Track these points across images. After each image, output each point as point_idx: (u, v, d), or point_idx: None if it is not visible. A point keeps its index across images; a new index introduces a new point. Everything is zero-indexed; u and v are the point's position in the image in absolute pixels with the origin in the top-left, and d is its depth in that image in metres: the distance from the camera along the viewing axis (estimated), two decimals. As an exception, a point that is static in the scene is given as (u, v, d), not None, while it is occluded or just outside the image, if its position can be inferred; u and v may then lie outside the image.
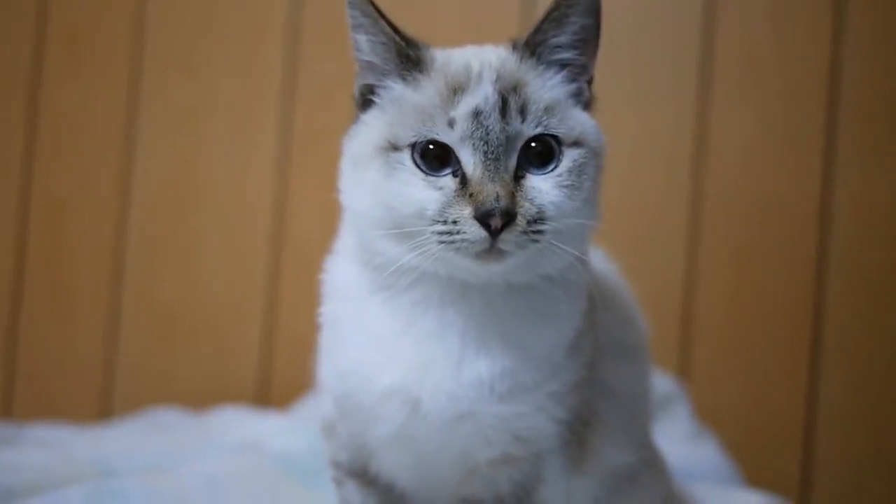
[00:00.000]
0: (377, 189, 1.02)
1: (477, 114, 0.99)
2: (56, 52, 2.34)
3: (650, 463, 1.27)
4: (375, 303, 1.08)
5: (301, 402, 2.05)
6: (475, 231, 0.96)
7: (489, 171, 0.98)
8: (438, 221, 0.98)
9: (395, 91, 1.05)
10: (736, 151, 2.10)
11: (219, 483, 1.53)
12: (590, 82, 1.10)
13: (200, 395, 2.20)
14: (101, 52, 2.33)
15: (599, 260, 1.27)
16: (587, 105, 1.09)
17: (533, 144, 1.01)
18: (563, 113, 1.03)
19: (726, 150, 2.10)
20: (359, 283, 1.10)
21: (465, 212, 0.97)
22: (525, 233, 0.97)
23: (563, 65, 1.06)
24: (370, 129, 1.06)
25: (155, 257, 2.30)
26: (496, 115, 0.99)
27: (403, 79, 1.05)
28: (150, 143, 2.31)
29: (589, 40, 1.07)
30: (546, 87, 1.04)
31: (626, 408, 1.22)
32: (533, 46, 1.05)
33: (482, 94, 1.00)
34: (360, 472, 1.19)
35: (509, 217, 0.96)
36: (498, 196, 0.96)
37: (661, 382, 1.90)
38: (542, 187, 1.00)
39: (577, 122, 1.05)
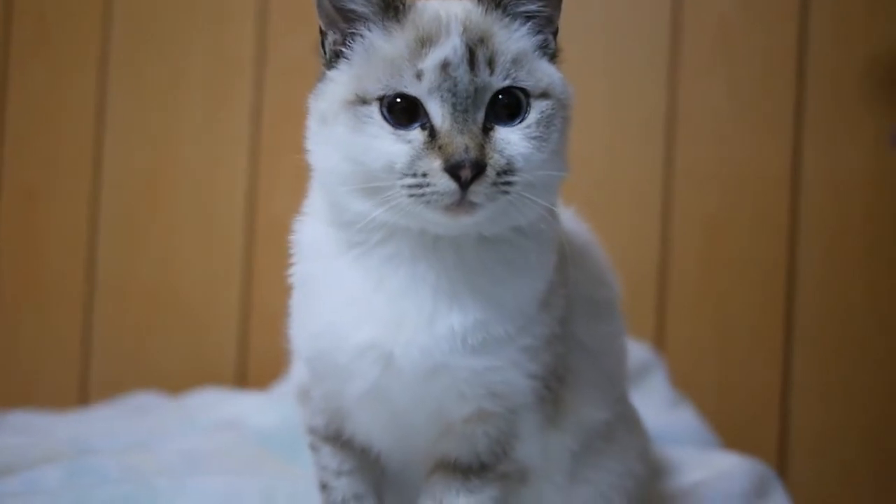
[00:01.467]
0: (345, 144, 1.02)
1: (445, 65, 0.98)
2: (24, 36, 2.33)
3: (625, 419, 1.28)
4: (346, 261, 1.08)
5: (279, 381, 2.05)
6: (445, 183, 0.96)
7: (458, 122, 0.98)
8: (408, 175, 0.98)
9: (367, 40, 1.04)
10: (706, 122, 2.11)
11: (197, 459, 1.53)
12: (555, 34, 1.09)
13: (179, 378, 2.20)
14: (70, 36, 2.31)
15: (570, 218, 1.27)
16: (553, 57, 1.09)
17: (501, 97, 1.01)
18: (530, 65, 1.03)
19: (697, 120, 2.12)
20: (329, 242, 1.10)
21: (435, 164, 0.96)
22: (495, 184, 0.97)
23: (528, 17, 1.06)
24: (337, 85, 1.05)
25: (129, 241, 2.29)
26: (465, 66, 0.99)
27: (379, 25, 1.04)
28: (121, 127, 2.30)
29: None
30: (512, 39, 1.04)
31: (600, 364, 1.22)
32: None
33: (450, 46, 0.99)
34: (335, 436, 1.19)
35: (479, 168, 0.96)
36: (467, 147, 0.96)
37: (638, 351, 1.91)
38: (511, 139, 1.00)
39: (544, 73, 1.05)
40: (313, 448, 1.23)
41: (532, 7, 1.06)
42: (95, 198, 2.30)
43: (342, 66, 1.06)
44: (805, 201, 2.07)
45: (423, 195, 0.97)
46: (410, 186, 0.97)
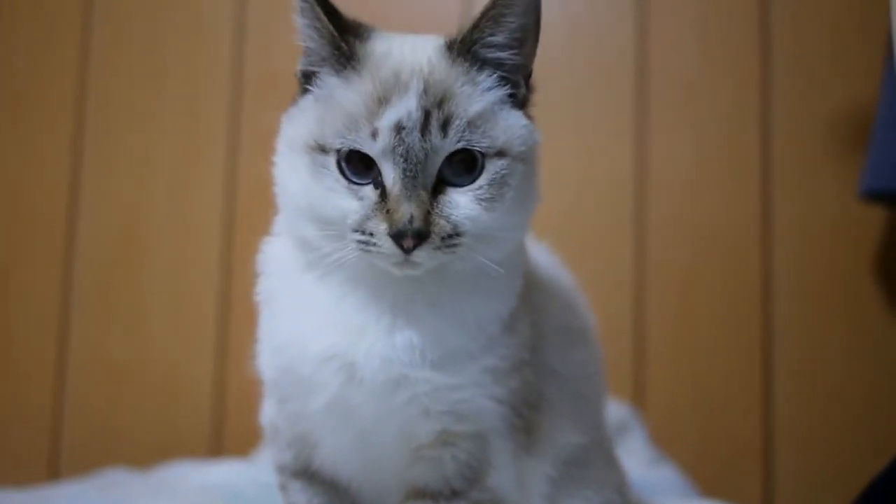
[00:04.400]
0: (305, 186, 1.04)
1: (399, 128, 1.00)
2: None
3: (602, 447, 1.26)
4: (309, 279, 1.09)
5: (255, 453, 2.01)
6: (389, 247, 0.99)
7: (406, 188, 0.99)
8: (357, 231, 1.00)
9: (329, 85, 1.06)
10: (676, 177, 2.15)
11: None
12: (528, 77, 1.09)
13: (153, 453, 2.15)
14: (43, 107, 2.34)
15: (541, 251, 1.29)
16: (524, 102, 1.09)
17: (456, 157, 1.02)
18: (489, 122, 1.03)
19: (666, 176, 2.15)
20: (293, 260, 1.11)
21: (381, 227, 0.99)
22: (438, 248, 1.00)
23: (497, 65, 1.05)
24: (303, 121, 1.07)
25: (101, 315, 2.28)
26: (417, 131, 1.00)
27: (337, 72, 1.05)
28: (95, 200, 2.31)
29: (527, 40, 1.06)
30: (474, 95, 1.03)
31: (575, 391, 1.21)
32: (469, 44, 1.05)
33: (405, 108, 1.00)
34: (304, 469, 1.17)
35: (421, 237, 0.98)
36: (412, 217, 0.98)
37: (616, 410, 1.90)
38: (460, 202, 1.02)
39: (504, 129, 1.04)
40: (282, 487, 1.21)
41: (503, 55, 1.05)
42: (67, 272, 2.29)
43: (309, 98, 1.08)
44: (777, 251, 2.10)
45: (369, 252, 1.00)
46: (359, 241, 1.01)
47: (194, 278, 2.26)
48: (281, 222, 1.16)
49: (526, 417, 1.13)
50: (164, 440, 2.20)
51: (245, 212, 2.25)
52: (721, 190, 2.13)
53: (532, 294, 1.16)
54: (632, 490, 1.40)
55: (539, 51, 1.08)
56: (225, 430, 2.20)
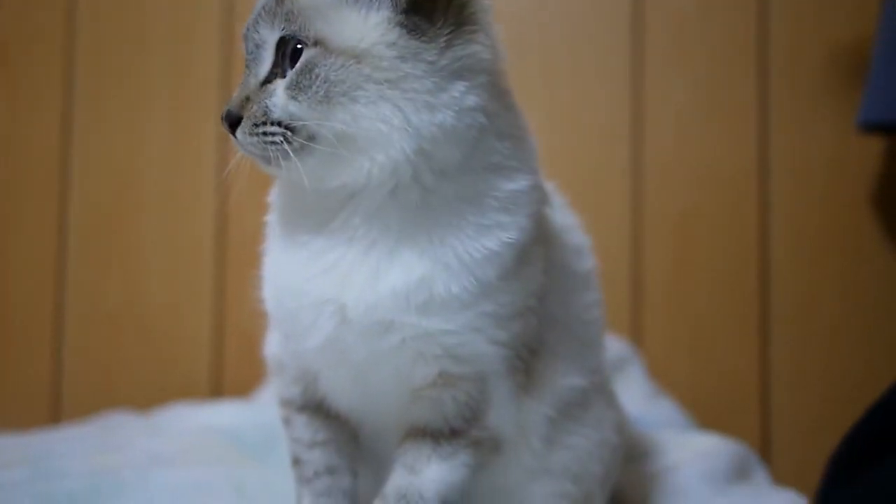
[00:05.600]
0: None
1: (246, 26, 1.05)
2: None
3: (601, 389, 1.26)
4: (296, 210, 1.10)
5: (254, 393, 2.02)
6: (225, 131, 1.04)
7: (244, 77, 1.04)
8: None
9: None
10: (671, 118, 2.13)
11: (164, 455, 1.50)
12: None
13: (152, 397, 2.15)
14: (33, 62, 2.31)
15: (550, 192, 1.25)
16: (416, 3, 1.01)
17: (289, 49, 1.01)
18: (318, 14, 1.00)
19: (662, 119, 2.13)
20: (286, 196, 1.12)
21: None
22: (252, 134, 1.01)
23: None
24: None
25: (98, 259, 2.27)
26: (252, 24, 1.04)
27: None
28: (86, 151, 2.28)
29: None
30: None
31: (576, 335, 1.21)
32: None
33: (257, 8, 1.05)
34: (310, 404, 1.17)
35: (232, 119, 1.02)
36: (231, 101, 1.03)
37: (615, 346, 1.90)
38: (276, 90, 1.01)
39: (335, 21, 1.00)
40: (286, 421, 1.21)
41: None
42: (62, 217, 2.27)
43: None
44: (774, 192, 2.08)
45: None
46: None
47: (190, 219, 2.25)
48: None
49: (526, 360, 1.12)
50: (164, 382, 2.21)
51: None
52: (717, 129, 2.11)
53: (546, 244, 1.14)
54: (630, 426, 1.41)
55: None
56: (224, 370, 2.21)
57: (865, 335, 2.04)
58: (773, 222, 2.08)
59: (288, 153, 0.99)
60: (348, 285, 1.04)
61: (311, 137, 0.99)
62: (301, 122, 0.99)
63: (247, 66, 1.03)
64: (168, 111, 2.28)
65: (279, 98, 1.00)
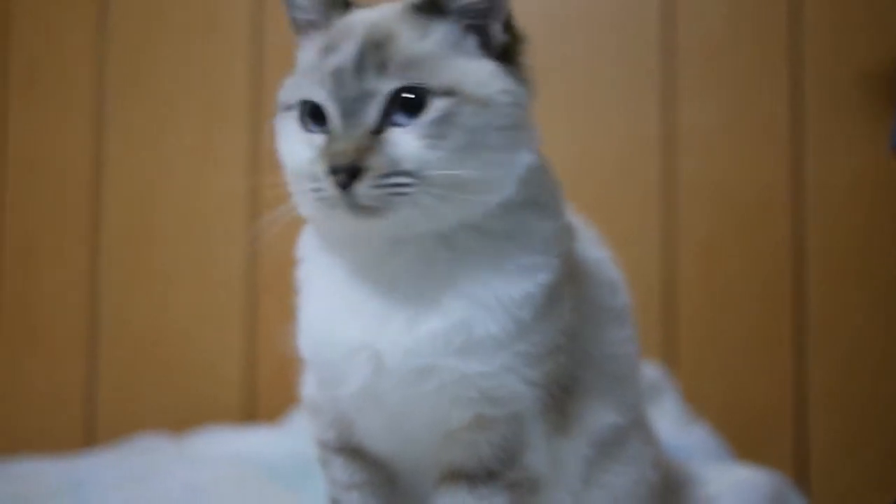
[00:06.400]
0: (281, 147, 1.07)
1: (338, 71, 1.00)
2: (17, 87, 2.34)
3: (639, 425, 1.25)
4: (331, 258, 1.10)
5: (287, 417, 2.02)
6: (330, 187, 0.98)
7: (344, 127, 0.99)
8: (309, 178, 1.01)
9: (302, 49, 1.10)
10: (704, 136, 2.10)
11: (198, 489, 1.52)
12: (506, 25, 1.07)
13: (185, 419, 2.16)
14: (63, 81, 2.33)
15: (580, 227, 1.25)
16: (506, 51, 1.06)
17: (403, 98, 1.00)
18: (439, 63, 1.02)
19: (694, 136, 2.11)
20: (319, 244, 1.12)
21: (321, 168, 0.99)
22: (380, 186, 0.98)
23: (462, 13, 1.04)
24: (283, 89, 1.10)
25: (130, 284, 2.28)
26: (352, 71, 1.00)
27: (310, 37, 1.09)
28: (118, 171, 2.30)
29: None
30: (424, 39, 1.03)
31: (610, 372, 1.20)
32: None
33: (346, 51, 1.01)
34: (346, 446, 1.17)
35: (353, 171, 0.97)
36: (344, 152, 0.98)
37: (649, 371, 1.88)
38: (401, 140, 0.99)
39: (458, 70, 1.02)
40: (324, 462, 1.21)
41: (463, 2, 1.04)
42: (94, 241, 2.29)
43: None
44: (809, 214, 2.06)
45: (320, 198, 1.00)
46: (312, 190, 1.01)
47: (221, 239, 2.26)
48: None
49: (559, 399, 1.11)
50: (197, 403, 2.22)
51: (269, 173, 2.23)
52: (749, 149, 2.08)
53: (577, 280, 1.14)
54: (666, 457, 1.40)
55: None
56: (257, 391, 2.21)
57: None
58: (807, 240, 2.05)
59: (409, 202, 0.99)
60: (384, 331, 1.04)
61: (434, 184, 0.99)
62: (435, 171, 0.99)
63: (344, 115, 0.99)
64: (198, 132, 2.28)
65: (411, 147, 0.99)
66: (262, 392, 2.22)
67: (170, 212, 2.29)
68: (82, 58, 2.32)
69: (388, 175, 0.98)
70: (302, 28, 1.11)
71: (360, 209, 0.98)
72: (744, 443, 1.97)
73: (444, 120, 0.99)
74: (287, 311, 2.17)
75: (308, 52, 1.07)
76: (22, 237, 2.33)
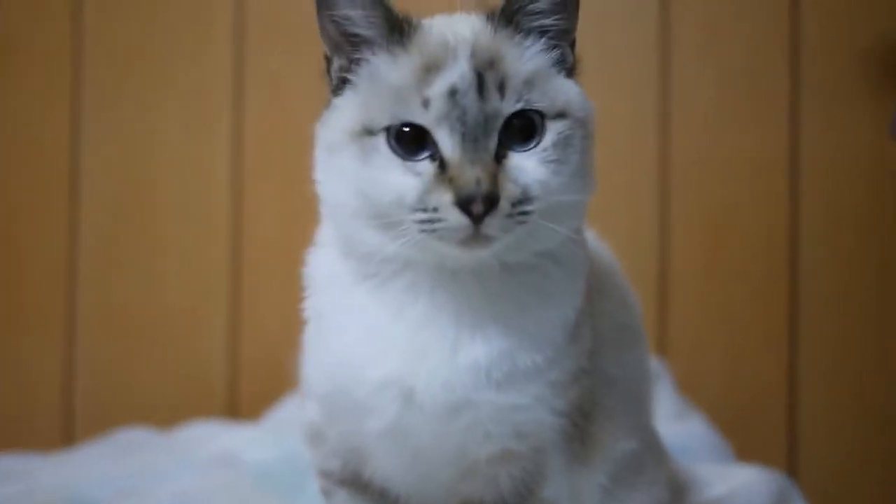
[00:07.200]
0: (353, 178, 0.97)
1: (453, 93, 0.93)
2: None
3: (652, 447, 1.22)
4: (361, 292, 1.03)
5: (272, 411, 1.98)
6: (457, 218, 0.91)
7: (468, 153, 0.92)
8: (418, 209, 0.93)
9: (373, 66, 0.99)
10: (700, 116, 2.06)
11: (192, 501, 1.47)
12: (572, 45, 1.04)
13: (167, 411, 2.12)
14: (41, 57, 2.23)
15: (592, 240, 1.22)
16: (571, 71, 1.03)
17: (514, 121, 0.95)
18: (544, 84, 0.97)
19: (691, 113, 2.06)
20: (343, 273, 1.05)
21: (446, 198, 0.91)
22: (510, 215, 0.92)
23: (542, 31, 1.00)
24: (343, 113, 1.00)
25: (110, 269, 2.20)
26: (473, 93, 0.93)
27: (385, 51, 0.99)
28: (98, 147, 2.21)
29: (568, 3, 1.01)
30: (525, 58, 0.98)
31: (626, 393, 1.17)
32: (510, 14, 0.99)
33: (458, 72, 0.94)
34: (352, 479, 1.12)
35: (491, 201, 0.91)
36: (478, 180, 0.91)
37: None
38: (526, 165, 0.95)
39: (561, 91, 0.99)
40: (326, 493, 1.16)
41: (546, 21, 1.00)
42: (73, 223, 2.21)
43: (348, 93, 1.01)
44: (805, 192, 2.02)
45: (434, 230, 0.92)
46: (422, 221, 0.93)
47: (204, 227, 2.19)
48: (326, 233, 1.09)
49: (581, 427, 1.08)
50: (180, 397, 2.16)
51: (254, 157, 2.17)
52: (747, 127, 2.04)
53: (592, 295, 1.10)
54: (675, 471, 1.38)
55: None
56: (241, 382, 2.17)
57: (896, 340, 2.01)
58: (803, 225, 2.02)
59: (524, 231, 0.95)
60: (420, 364, 0.99)
61: (551, 212, 0.96)
62: (555, 198, 0.95)
63: (466, 139, 0.93)
64: (181, 110, 2.20)
65: (538, 174, 0.95)
66: (245, 381, 2.17)
67: (152, 199, 2.20)
68: (60, 42, 2.22)
69: (518, 203, 0.93)
70: (348, 46, 1.01)
71: (475, 240, 0.93)
72: (735, 428, 1.95)
73: (562, 144, 0.96)
74: (272, 298, 2.13)
75: (389, 71, 0.98)
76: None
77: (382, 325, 1.01)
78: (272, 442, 1.72)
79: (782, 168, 2.03)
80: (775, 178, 2.03)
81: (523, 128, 0.95)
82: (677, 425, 1.82)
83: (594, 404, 1.10)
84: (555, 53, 1.00)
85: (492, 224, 0.91)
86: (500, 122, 0.94)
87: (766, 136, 2.04)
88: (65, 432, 2.20)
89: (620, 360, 1.16)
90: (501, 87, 0.94)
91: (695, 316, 2.06)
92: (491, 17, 1.00)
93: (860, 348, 2.01)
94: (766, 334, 2.04)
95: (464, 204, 0.90)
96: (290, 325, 2.06)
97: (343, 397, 1.04)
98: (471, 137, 0.93)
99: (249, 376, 2.17)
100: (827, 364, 2.02)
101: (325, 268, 1.08)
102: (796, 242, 2.03)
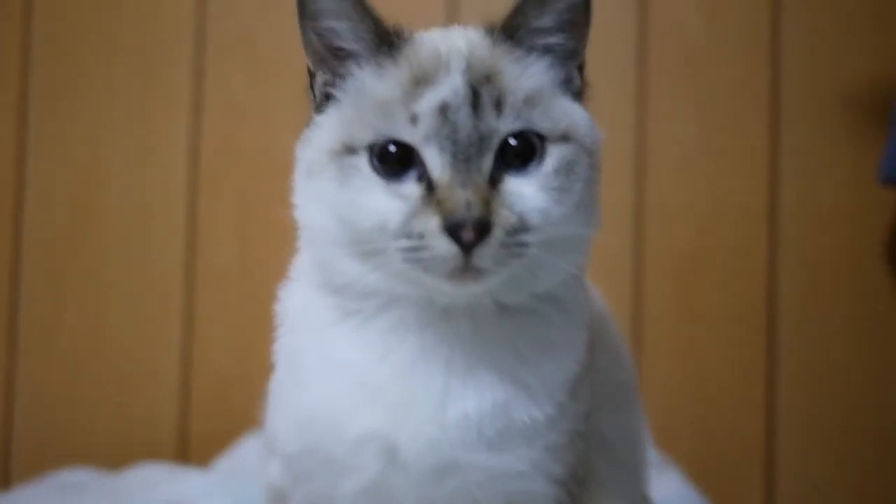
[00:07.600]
0: (332, 200, 0.88)
1: (444, 108, 0.85)
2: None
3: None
4: (342, 332, 0.93)
5: (224, 456, 1.87)
6: (444, 245, 0.82)
7: (459, 174, 0.84)
8: (402, 236, 0.84)
9: (358, 80, 0.91)
10: (677, 156, 2.01)
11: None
12: (581, 68, 0.95)
13: (113, 453, 1.99)
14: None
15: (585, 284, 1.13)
16: (578, 94, 0.94)
17: (512, 142, 0.86)
18: (547, 104, 0.89)
19: (667, 155, 2.01)
20: (320, 310, 0.95)
21: (432, 223, 0.82)
22: (505, 245, 0.83)
23: (546, 49, 0.91)
24: (324, 131, 0.92)
25: (54, 302, 2.07)
26: (467, 109, 0.85)
27: (372, 64, 0.91)
28: (43, 170, 2.08)
29: (577, 21, 0.92)
30: (526, 75, 0.89)
31: (622, 459, 1.08)
32: (510, 30, 0.91)
33: (450, 86, 0.86)
34: None
35: (483, 227, 0.82)
36: (469, 203, 0.82)
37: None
38: (525, 191, 0.86)
39: (565, 113, 0.90)
40: None
41: (551, 40, 0.91)
42: (15, 258, 2.08)
43: (331, 109, 0.92)
44: (783, 236, 1.98)
45: (420, 260, 0.83)
46: (406, 249, 0.84)
47: (156, 257, 2.06)
48: (302, 266, 0.99)
49: (575, 495, 0.98)
50: (126, 436, 2.04)
51: (210, 180, 2.06)
52: (725, 169, 1.99)
53: (592, 348, 1.01)
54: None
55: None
56: (191, 423, 2.04)
57: (875, 389, 1.95)
58: (781, 270, 1.97)
59: (520, 265, 0.85)
60: (404, 417, 0.89)
61: (551, 245, 0.87)
62: (556, 229, 0.86)
63: (457, 159, 0.84)
64: (134, 119, 2.08)
65: (537, 201, 0.86)
66: (196, 421, 2.05)
67: (101, 228, 2.08)
68: (8, 41, 2.10)
69: (514, 232, 0.83)
70: (333, 59, 0.93)
71: (465, 272, 0.83)
72: (712, 478, 1.89)
73: (565, 170, 0.87)
74: (225, 333, 2.01)
75: (374, 84, 0.89)
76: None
77: (364, 369, 0.92)
78: (224, 492, 1.61)
79: (761, 213, 1.98)
80: (754, 222, 1.99)
81: (522, 151, 0.87)
82: (655, 480, 1.75)
83: (590, 471, 1.01)
84: (560, 73, 0.92)
85: (483, 255, 0.82)
86: (495, 142, 0.86)
87: (745, 181, 2.00)
88: (1, 473, 2.06)
89: (616, 422, 1.07)
90: (498, 104, 0.86)
91: (670, 361, 2.00)
92: (490, 30, 0.92)
93: (839, 398, 1.96)
94: (743, 383, 1.98)
95: (452, 230, 0.82)
96: (245, 362, 1.98)
97: (316, 455, 0.94)
98: (462, 157, 0.84)
99: (200, 416, 2.05)
100: (805, 416, 1.97)
101: (300, 304, 0.98)
102: (774, 289, 1.98)
